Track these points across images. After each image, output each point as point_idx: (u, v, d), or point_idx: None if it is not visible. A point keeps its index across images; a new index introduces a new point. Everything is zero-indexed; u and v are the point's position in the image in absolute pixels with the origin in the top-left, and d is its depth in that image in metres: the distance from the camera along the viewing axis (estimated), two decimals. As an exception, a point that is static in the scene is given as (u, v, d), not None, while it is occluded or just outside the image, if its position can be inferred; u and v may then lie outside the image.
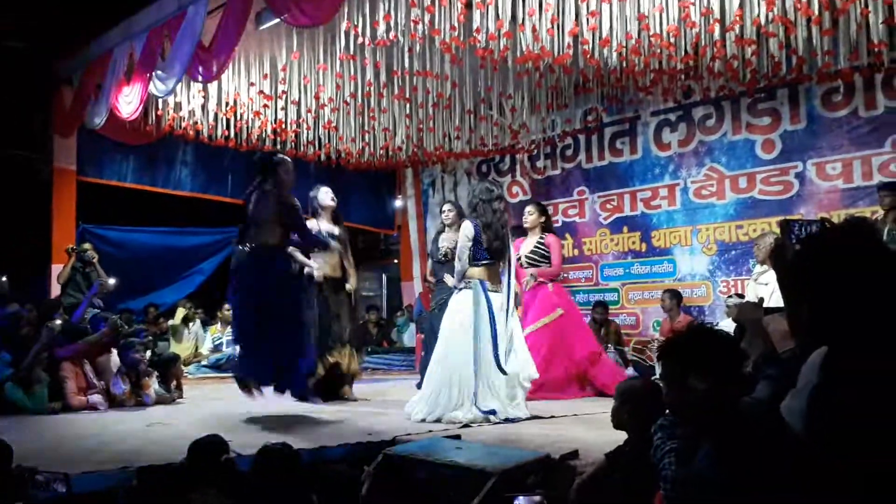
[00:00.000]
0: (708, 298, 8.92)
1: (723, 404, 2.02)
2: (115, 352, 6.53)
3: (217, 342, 10.25)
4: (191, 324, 10.56)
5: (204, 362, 9.92)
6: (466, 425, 4.90)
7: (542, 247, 6.86)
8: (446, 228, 6.81)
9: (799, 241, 2.36)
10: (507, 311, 5.42)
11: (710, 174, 8.99)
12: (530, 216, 6.99)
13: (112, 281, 7.51)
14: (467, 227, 5.45)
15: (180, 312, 10.50)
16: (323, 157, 9.66)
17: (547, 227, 7.07)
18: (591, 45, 6.44)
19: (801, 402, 1.77)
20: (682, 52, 6.60)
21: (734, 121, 8.81)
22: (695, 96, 8.94)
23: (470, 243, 5.40)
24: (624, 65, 6.97)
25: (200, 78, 7.43)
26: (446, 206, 6.92)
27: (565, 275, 10.31)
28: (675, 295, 8.49)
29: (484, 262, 5.41)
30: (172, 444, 4.25)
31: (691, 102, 9.10)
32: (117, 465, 3.66)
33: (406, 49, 6.95)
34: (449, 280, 5.93)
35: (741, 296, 7.48)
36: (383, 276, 15.19)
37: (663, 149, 9.44)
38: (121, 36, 8.20)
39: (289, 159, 5.83)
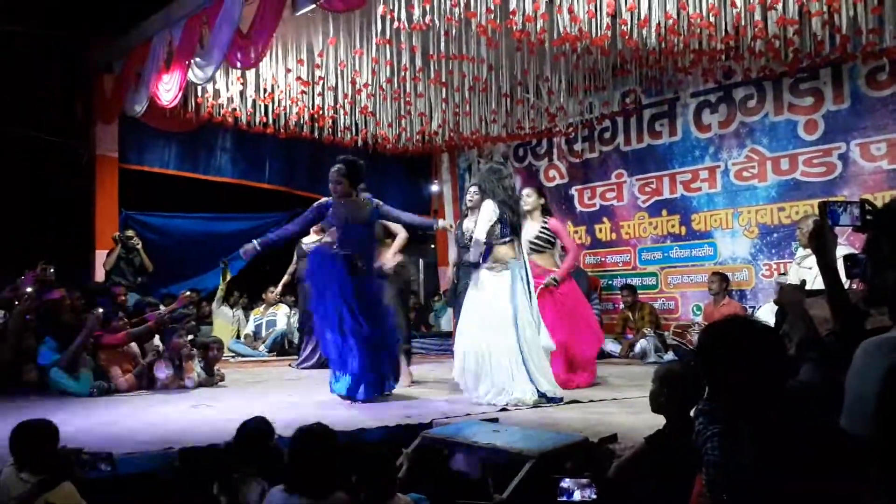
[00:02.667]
0: (750, 282, 8.80)
1: (766, 391, 1.99)
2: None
3: (258, 323, 10.33)
4: (235, 308, 10.71)
5: (261, 348, 10.01)
6: (503, 409, 4.90)
7: (547, 232, 6.58)
8: (469, 212, 6.63)
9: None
10: (529, 283, 5.59)
11: (751, 156, 8.85)
12: (529, 199, 6.68)
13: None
14: (489, 207, 5.54)
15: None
16: (359, 142, 9.68)
17: (546, 211, 6.78)
18: (629, 26, 6.37)
19: (870, 390, 1.73)
20: (723, 32, 6.49)
21: (776, 101, 8.66)
22: (735, 77, 8.80)
23: (493, 222, 5.51)
24: (663, 45, 6.87)
25: (239, 65, 7.49)
26: (472, 189, 6.79)
27: (602, 258, 10.26)
28: (723, 279, 8.40)
29: (507, 239, 5.55)
30: (215, 426, 4.32)
31: (732, 83, 8.96)
32: (160, 446, 3.73)
33: (442, 33, 6.92)
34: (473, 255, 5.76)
35: (789, 276, 7.37)
36: (420, 260, 15.21)
37: (703, 130, 9.31)
38: (160, 24, 8.30)
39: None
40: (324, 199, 5.92)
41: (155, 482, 3.51)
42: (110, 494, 3.25)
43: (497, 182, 5.64)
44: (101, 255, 9.43)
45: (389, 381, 5.73)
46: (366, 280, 5.64)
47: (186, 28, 7.79)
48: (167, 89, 8.11)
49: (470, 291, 5.65)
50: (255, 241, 5.84)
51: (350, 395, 5.50)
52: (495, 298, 5.43)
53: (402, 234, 6.65)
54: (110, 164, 9.87)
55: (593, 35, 6.37)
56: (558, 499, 2.78)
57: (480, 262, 5.57)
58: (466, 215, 6.02)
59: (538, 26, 6.39)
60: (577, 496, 2.73)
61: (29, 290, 6.71)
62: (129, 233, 9.45)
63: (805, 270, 6.17)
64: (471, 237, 5.66)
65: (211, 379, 6.71)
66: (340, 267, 5.54)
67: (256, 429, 3.38)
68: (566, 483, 2.79)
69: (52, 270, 7.49)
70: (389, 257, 6.45)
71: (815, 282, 5.09)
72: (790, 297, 2.51)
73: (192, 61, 7.67)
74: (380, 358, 5.57)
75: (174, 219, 10.78)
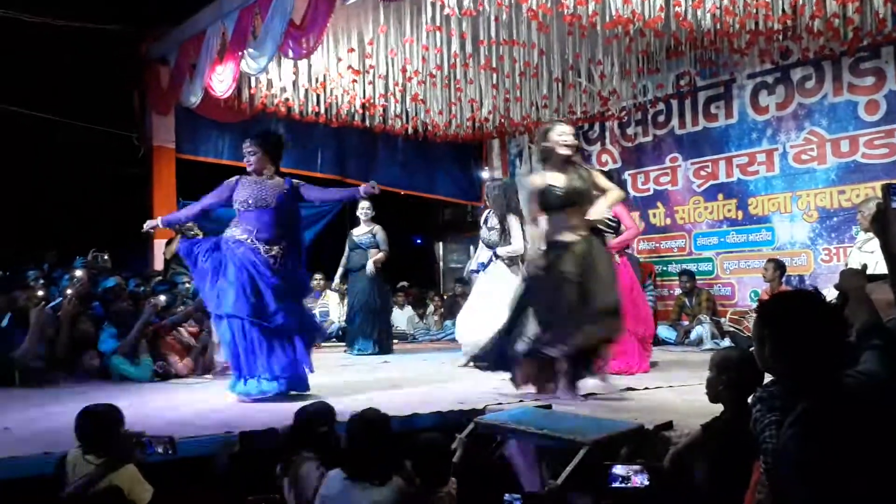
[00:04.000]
0: (808, 267, 8.61)
1: (820, 371, 1.95)
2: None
3: (323, 312, 10.35)
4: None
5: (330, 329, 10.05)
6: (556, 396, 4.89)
7: (609, 217, 6.10)
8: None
9: None
10: None
11: (810, 138, 8.64)
12: None
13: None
14: (516, 223, 6.65)
15: None
16: (410, 130, 9.72)
17: None
18: (683, 7, 6.27)
19: None
20: (780, 12, 6.35)
21: (835, 81, 8.43)
22: (793, 57, 8.59)
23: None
24: (718, 26, 6.75)
25: (292, 54, 7.55)
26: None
27: (656, 244, 10.14)
28: (778, 265, 8.18)
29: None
30: (273, 410, 4.39)
31: (789, 63, 8.74)
32: (219, 430, 3.81)
33: (492, 18, 6.90)
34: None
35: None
36: (471, 247, 15.21)
37: (760, 112, 9.12)
38: (213, 15, 8.40)
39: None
40: (234, 177, 5.35)
41: (214, 465, 3.59)
42: (170, 478, 3.32)
43: (504, 199, 6.64)
44: (158, 244, 9.62)
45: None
46: (277, 273, 5.03)
47: (239, 19, 7.87)
48: (221, 80, 8.23)
49: (485, 282, 6.74)
50: (159, 219, 5.57)
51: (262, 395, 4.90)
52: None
53: (615, 192, 5.16)
54: (167, 154, 10.05)
55: (646, 17, 6.28)
56: (611, 485, 2.77)
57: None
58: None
59: (590, 9, 6.32)
60: (629, 483, 2.72)
61: (79, 273, 6.89)
62: (189, 224, 9.61)
63: (866, 254, 6.02)
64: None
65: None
66: (251, 257, 5.00)
67: (315, 413, 3.43)
68: (618, 469, 2.78)
69: (105, 257, 7.68)
70: (601, 209, 4.98)
71: (878, 266, 4.98)
72: (851, 282, 2.44)
73: (246, 52, 7.76)
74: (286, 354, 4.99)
75: (231, 208, 10.94)
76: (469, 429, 3.90)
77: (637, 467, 2.79)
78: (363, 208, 8.80)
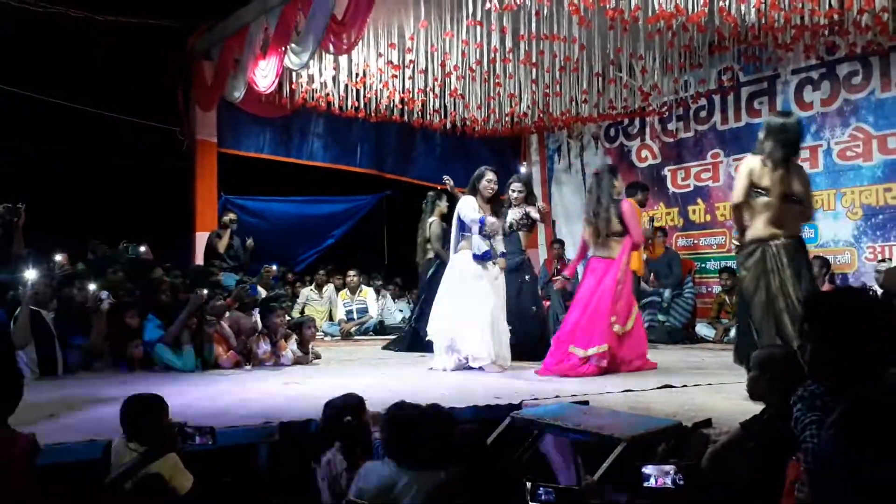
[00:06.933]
0: (852, 265, 8.46)
1: (865, 370, 1.92)
2: (256, 313, 6.90)
3: (348, 308, 10.42)
4: (324, 288, 10.90)
5: (352, 330, 10.18)
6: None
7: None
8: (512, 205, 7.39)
9: None
10: None
11: (855, 134, 8.48)
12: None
13: None
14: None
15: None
16: (448, 125, 9.72)
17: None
18: (727, 2, 6.19)
19: None
20: (826, 6, 6.24)
21: (883, 77, 8.27)
22: (839, 52, 8.44)
23: None
24: (763, 21, 6.65)
25: (333, 50, 7.61)
26: (517, 186, 7.53)
27: (695, 241, 10.03)
28: (823, 263, 8.05)
29: None
30: (314, 401, 4.43)
31: (836, 59, 8.59)
32: (258, 420, 3.85)
33: (533, 12, 6.88)
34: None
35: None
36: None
37: (805, 108, 8.96)
38: (256, 11, 8.49)
39: None
40: None
41: (254, 455, 3.64)
42: (210, 467, 3.37)
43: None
44: (200, 237, 9.74)
45: None
46: None
47: (282, 15, 7.95)
48: (264, 75, 8.31)
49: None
50: None
51: None
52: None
53: None
54: (210, 148, 10.16)
55: (689, 11, 6.21)
56: (643, 485, 2.74)
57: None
58: (508, 206, 7.19)
59: (632, 3, 6.27)
60: (660, 483, 2.69)
61: (58, 258, 7.05)
62: (231, 216, 9.74)
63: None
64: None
65: (306, 357, 6.89)
66: None
67: (342, 405, 3.43)
68: (649, 469, 2.75)
69: (142, 249, 7.85)
70: None
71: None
72: (897, 281, 2.40)
73: (288, 47, 7.83)
74: None
75: (271, 202, 11.08)
76: (506, 423, 3.90)
77: (669, 467, 2.76)
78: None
